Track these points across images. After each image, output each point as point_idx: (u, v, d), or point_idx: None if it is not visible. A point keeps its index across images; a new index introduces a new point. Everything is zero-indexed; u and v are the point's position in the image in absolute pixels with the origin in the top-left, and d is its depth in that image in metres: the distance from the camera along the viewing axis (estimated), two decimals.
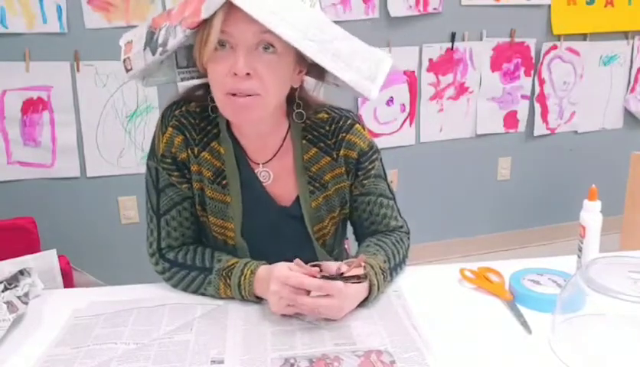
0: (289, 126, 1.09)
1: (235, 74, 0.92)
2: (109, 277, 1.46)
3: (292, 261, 0.95)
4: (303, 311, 0.93)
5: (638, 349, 0.83)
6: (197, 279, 1.05)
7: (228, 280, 1.02)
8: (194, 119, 1.06)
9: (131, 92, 2.32)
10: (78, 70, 2.25)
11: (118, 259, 2.35)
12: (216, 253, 1.08)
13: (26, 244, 1.77)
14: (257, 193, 1.09)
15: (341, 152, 1.08)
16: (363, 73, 0.94)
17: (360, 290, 0.97)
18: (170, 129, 1.05)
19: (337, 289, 0.91)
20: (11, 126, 2.24)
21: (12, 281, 1.03)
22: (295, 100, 1.05)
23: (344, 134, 1.08)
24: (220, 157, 1.07)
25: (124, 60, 1.01)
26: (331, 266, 0.94)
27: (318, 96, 1.10)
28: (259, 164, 1.09)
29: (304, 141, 1.08)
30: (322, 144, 1.08)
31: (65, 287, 1.24)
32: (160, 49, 0.95)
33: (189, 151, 1.06)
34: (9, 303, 0.96)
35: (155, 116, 2.37)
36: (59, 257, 1.21)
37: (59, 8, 2.17)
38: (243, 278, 1.00)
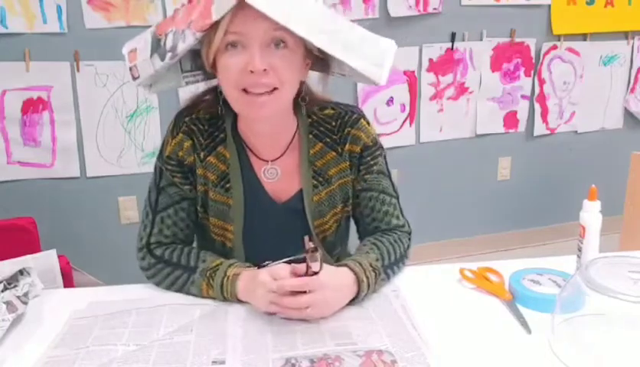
0: (297, 123, 1.10)
1: (252, 72, 0.93)
2: (109, 277, 1.46)
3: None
4: (289, 314, 0.93)
5: (638, 349, 0.83)
6: (181, 278, 1.05)
7: (211, 281, 1.02)
8: (203, 125, 1.08)
9: (131, 92, 2.32)
10: (78, 70, 2.25)
11: (118, 259, 2.33)
12: (201, 253, 1.08)
13: (26, 244, 1.77)
14: (259, 194, 1.10)
15: (346, 147, 1.10)
16: (371, 59, 0.96)
17: (344, 282, 0.96)
18: (181, 135, 1.07)
19: (317, 283, 0.91)
20: (11, 126, 2.24)
21: (12, 281, 1.03)
22: (300, 97, 1.06)
23: (349, 129, 1.10)
24: (225, 160, 1.09)
25: (130, 68, 1.02)
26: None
27: (324, 90, 1.12)
28: (267, 161, 1.09)
29: (310, 136, 1.10)
30: (328, 140, 1.10)
31: (65, 287, 1.23)
32: (169, 54, 0.97)
33: (195, 156, 1.08)
34: (9, 303, 0.96)
35: (154, 116, 2.37)
36: (59, 257, 1.21)
37: (59, 8, 2.17)
38: (225, 280, 1.01)
